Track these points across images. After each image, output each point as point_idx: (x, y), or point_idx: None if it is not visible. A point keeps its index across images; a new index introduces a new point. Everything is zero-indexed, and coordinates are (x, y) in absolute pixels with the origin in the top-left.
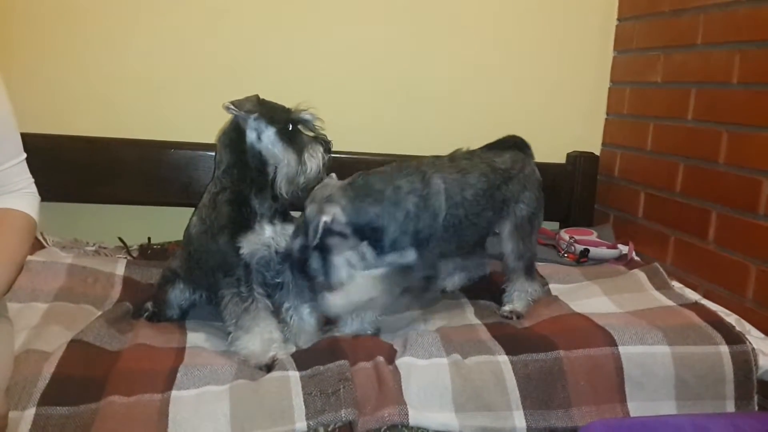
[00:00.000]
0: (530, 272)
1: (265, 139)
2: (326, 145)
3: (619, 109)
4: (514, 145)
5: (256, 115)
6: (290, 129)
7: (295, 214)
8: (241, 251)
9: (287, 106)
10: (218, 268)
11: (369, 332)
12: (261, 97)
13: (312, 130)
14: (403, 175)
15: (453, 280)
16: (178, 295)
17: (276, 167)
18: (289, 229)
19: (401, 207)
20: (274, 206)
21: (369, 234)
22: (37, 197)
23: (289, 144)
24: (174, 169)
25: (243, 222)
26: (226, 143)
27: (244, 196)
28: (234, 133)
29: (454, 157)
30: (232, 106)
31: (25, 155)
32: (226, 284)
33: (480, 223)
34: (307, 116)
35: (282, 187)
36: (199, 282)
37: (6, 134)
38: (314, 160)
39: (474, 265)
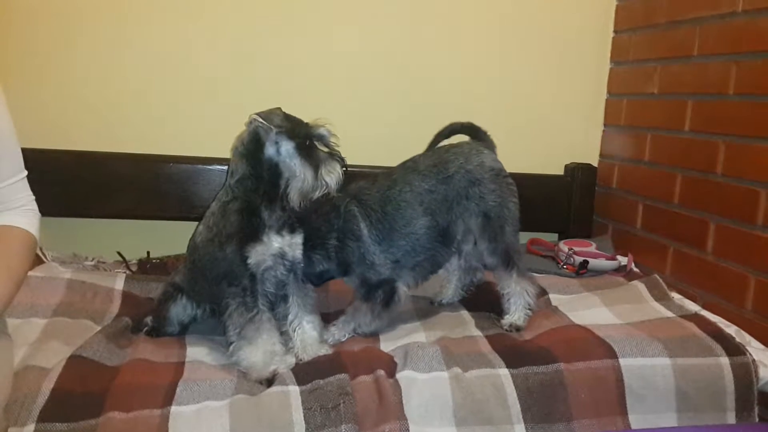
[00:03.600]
0: (510, 265)
1: (284, 152)
2: (342, 162)
3: (617, 120)
4: (461, 131)
5: (276, 129)
6: (307, 144)
7: None
8: (249, 261)
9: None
10: (224, 277)
11: (365, 332)
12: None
13: (327, 146)
14: (321, 215)
15: (447, 292)
16: (180, 311)
17: (288, 180)
18: (297, 240)
19: (328, 245)
20: (283, 217)
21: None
22: (37, 214)
23: (307, 159)
24: (172, 183)
25: (252, 232)
26: (244, 153)
27: (254, 207)
28: (252, 145)
29: (388, 175)
30: (259, 119)
31: (26, 173)
32: (231, 294)
33: (416, 231)
34: (323, 132)
35: (294, 199)
36: (203, 293)
37: (7, 150)
38: (333, 176)
39: (463, 272)
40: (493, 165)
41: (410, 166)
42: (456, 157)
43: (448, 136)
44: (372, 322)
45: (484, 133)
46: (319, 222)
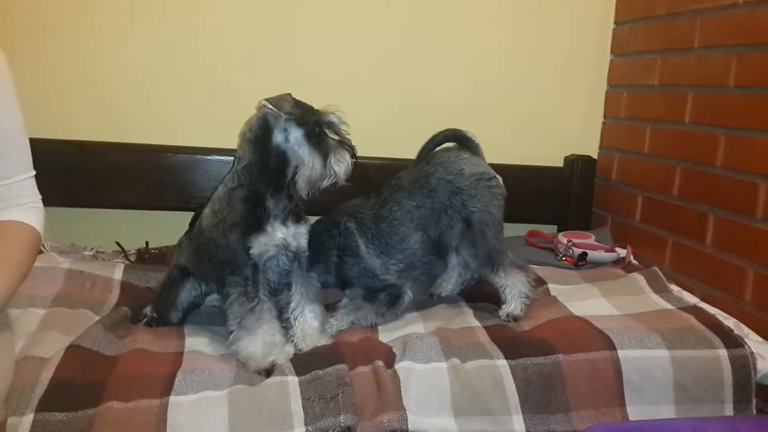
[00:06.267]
0: (494, 266)
1: (293, 139)
2: (351, 150)
3: (617, 112)
4: (446, 139)
5: (285, 116)
6: (317, 131)
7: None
8: (251, 251)
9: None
10: (226, 264)
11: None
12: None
13: (337, 134)
14: (324, 230)
15: (447, 286)
16: (187, 295)
17: (296, 168)
18: (302, 229)
19: (330, 262)
20: (289, 206)
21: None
22: (43, 213)
23: (316, 147)
24: (171, 174)
25: (256, 222)
26: (252, 140)
27: (260, 195)
28: (261, 131)
29: (379, 194)
30: (269, 105)
31: (34, 172)
32: (233, 282)
33: (411, 247)
34: (333, 119)
35: (301, 188)
36: (209, 274)
37: (18, 147)
38: (342, 165)
39: (464, 269)
40: (474, 170)
41: (396, 183)
42: (435, 169)
43: (433, 149)
44: (373, 319)
45: (469, 138)
46: (323, 237)
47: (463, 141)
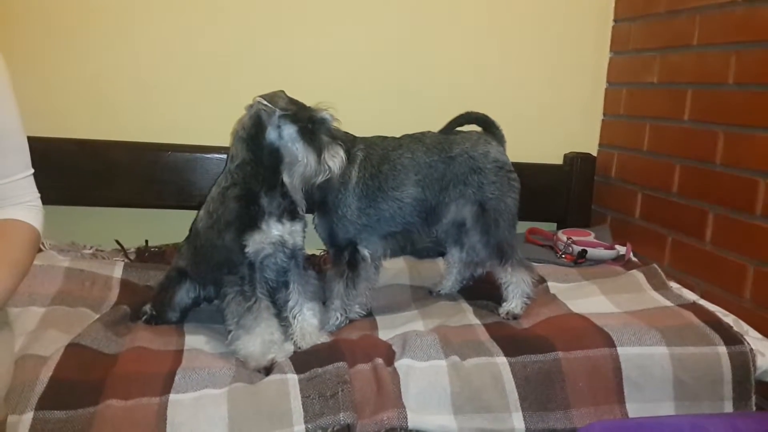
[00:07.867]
0: (504, 258)
1: (286, 136)
2: (344, 146)
3: (616, 109)
4: (475, 121)
5: (280, 112)
6: (310, 127)
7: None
8: (247, 249)
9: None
10: (223, 264)
11: (361, 315)
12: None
13: (329, 130)
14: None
15: (446, 284)
16: (184, 296)
17: (289, 165)
18: (298, 227)
19: None
20: (283, 204)
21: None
22: (42, 211)
23: (310, 143)
24: (171, 172)
25: (250, 220)
26: (244, 138)
27: (254, 194)
28: (254, 129)
29: (398, 138)
30: (264, 101)
31: (32, 170)
32: (230, 282)
33: (402, 199)
34: (326, 116)
35: (295, 185)
36: (206, 276)
37: (17, 145)
38: (336, 160)
39: (464, 266)
40: (498, 157)
41: (418, 137)
42: (463, 141)
43: (461, 125)
44: (347, 290)
45: (497, 127)
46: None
47: (490, 128)
